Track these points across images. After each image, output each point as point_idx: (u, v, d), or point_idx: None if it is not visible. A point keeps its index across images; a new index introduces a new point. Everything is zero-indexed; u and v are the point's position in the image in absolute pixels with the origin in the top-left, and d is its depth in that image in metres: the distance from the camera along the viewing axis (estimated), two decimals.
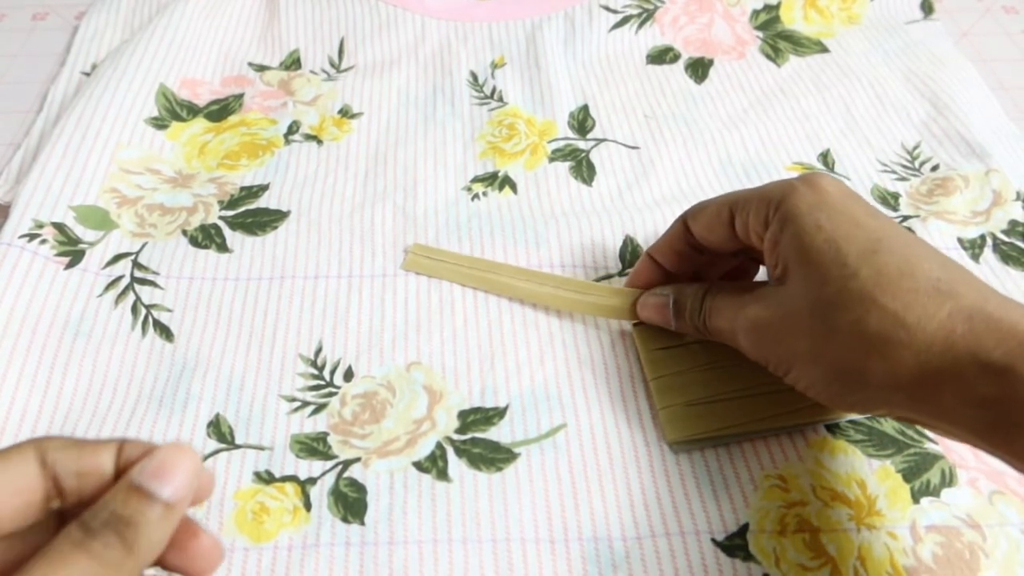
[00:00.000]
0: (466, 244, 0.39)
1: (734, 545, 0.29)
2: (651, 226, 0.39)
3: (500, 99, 0.47)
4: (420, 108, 0.47)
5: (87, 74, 0.48)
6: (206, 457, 0.31)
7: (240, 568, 0.28)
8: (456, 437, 0.32)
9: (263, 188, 0.42)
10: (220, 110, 0.46)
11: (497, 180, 0.42)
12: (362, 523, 0.29)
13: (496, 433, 0.32)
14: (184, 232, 0.39)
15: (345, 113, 0.46)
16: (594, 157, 0.44)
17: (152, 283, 0.37)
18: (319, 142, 0.44)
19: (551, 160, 0.43)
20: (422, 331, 0.35)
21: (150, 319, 0.35)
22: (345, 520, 0.29)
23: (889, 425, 0.32)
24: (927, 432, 0.32)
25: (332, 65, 0.49)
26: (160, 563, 0.20)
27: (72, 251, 0.37)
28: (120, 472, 0.20)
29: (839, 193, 0.27)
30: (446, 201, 0.41)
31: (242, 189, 0.41)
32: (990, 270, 0.38)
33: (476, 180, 0.42)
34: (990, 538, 0.29)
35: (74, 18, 0.53)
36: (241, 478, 0.30)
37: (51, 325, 0.35)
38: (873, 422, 0.32)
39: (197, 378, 0.33)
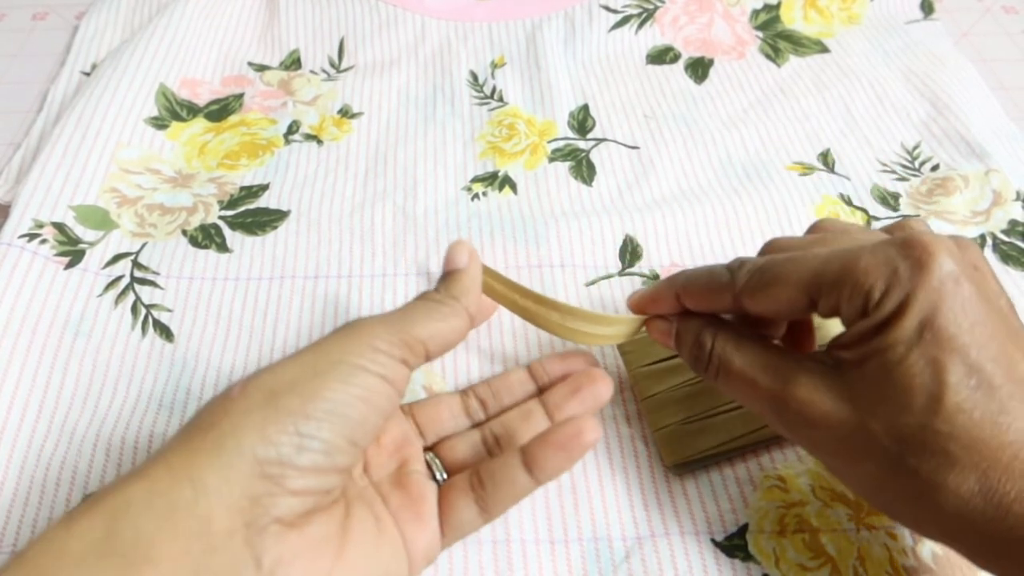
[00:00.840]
0: None
1: (734, 545, 0.29)
2: (651, 226, 0.39)
3: (500, 99, 0.47)
4: (420, 108, 0.47)
5: (87, 74, 0.48)
6: None
7: None
8: None
9: (263, 188, 0.42)
10: (220, 110, 0.46)
11: (497, 180, 0.42)
12: None
13: None
14: (184, 232, 0.39)
15: (345, 113, 0.46)
16: (594, 157, 0.44)
17: (152, 283, 0.37)
18: (319, 142, 0.44)
19: (551, 160, 0.43)
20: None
21: (150, 319, 0.35)
22: None
23: None
24: None
25: (332, 65, 0.49)
26: None
27: (72, 251, 0.37)
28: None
29: (952, 284, 0.22)
30: (446, 201, 0.41)
31: (242, 189, 0.41)
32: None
33: (476, 180, 0.42)
34: None
35: (74, 18, 0.53)
36: None
37: (51, 325, 0.35)
38: None
39: (197, 378, 0.33)
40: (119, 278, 0.37)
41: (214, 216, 0.40)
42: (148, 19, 0.51)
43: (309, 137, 0.45)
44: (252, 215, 0.40)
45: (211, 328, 0.35)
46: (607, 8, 0.52)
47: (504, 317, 0.36)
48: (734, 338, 0.26)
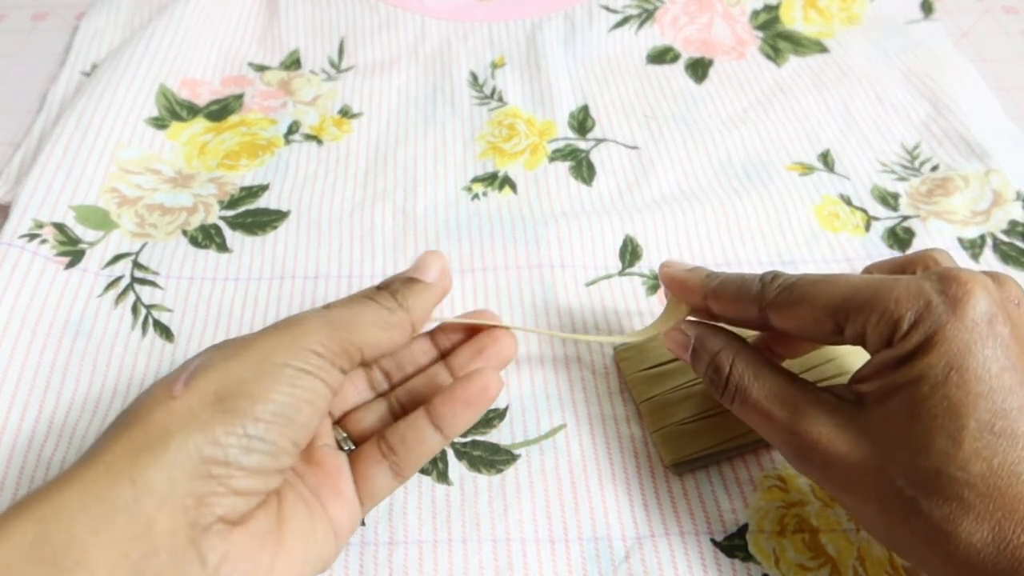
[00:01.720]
0: (466, 244, 0.39)
1: (733, 545, 0.29)
2: (651, 226, 0.39)
3: (500, 99, 0.47)
4: (420, 108, 0.47)
5: (87, 74, 0.48)
6: None
7: None
8: (456, 439, 0.32)
9: (263, 188, 0.42)
10: (220, 110, 0.46)
11: (497, 180, 0.42)
12: (362, 523, 0.29)
13: (496, 435, 0.32)
14: (184, 232, 0.39)
15: (345, 113, 0.46)
16: (594, 157, 0.44)
17: (152, 283, 0.37)
18: (319, 142, 0.44)
19: (551, 160, 0.43)
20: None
21: (150, 319, 0.35)
22: None
23: None
24: None
25: (332, 65, 0.49)
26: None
27: (72, 251, 0.37)
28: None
29: (986, 327, 0.21)
30: (446, 201, 0.41)
31: (242, 189, 0.41)
32: (990, 270, 0.38)
33: (476, 180, 0.42)
34: None
35: (74, 18, 0.53)
36: None
37: (51, 325, 0.35)
38: None
39: None
40: (119, 278, 0.37)
41: (214, 216, 0.40)
42: (148, 19, 0.51)
43: (309, 137, 0.45)
44: (252, 215, 0.40)
45: (211, 328, 0.35)
46: (607, 8, 0.52)
47: (504, 319, 0.36)
48: (753, 365, 0.26)
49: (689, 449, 0.30)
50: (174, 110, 0.45)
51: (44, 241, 0.37)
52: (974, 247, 0.39)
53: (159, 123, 0.44)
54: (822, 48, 0.51)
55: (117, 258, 0.38)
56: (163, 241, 0.39)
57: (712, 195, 0.41)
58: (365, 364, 0.27)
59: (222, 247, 0.38)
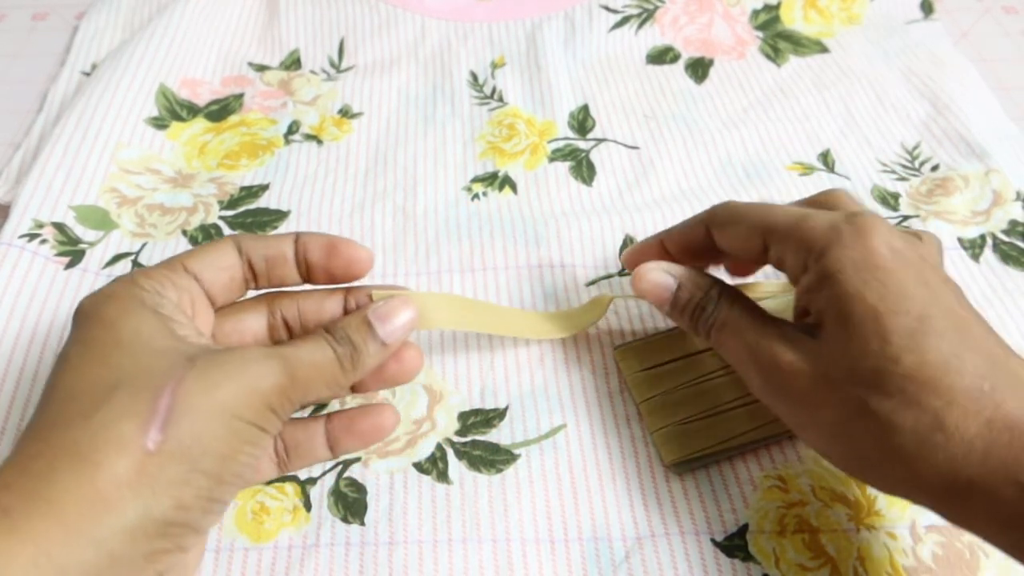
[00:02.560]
0: (466, 244, 0.39)
1: (734, 545, 0.29)
2: (651, 226, 0.39)
3: (500, 99, 0.47)
4: (420, 108, 0.47)
5: (87, 74, 0.48)
6: None
7: (240, 567, 0.28)
8: (456, 439, 0.32)
9: (263, 188, 0.42)
10: (220, 110, 0.46)
11: (497, 180, 0.42)
12: (362, 523, 0.29)
13: (496, 435, 0.32)
14: (184, 232, 0.39)
15: (345, 113, 0.46)
16: (594, 157, 0.44)
17: None
18: (319, 142, 0.44)
19: (551, 160, 0.43)
20: (422, 330, 0.35)
21: None
22: (345, 520, 0.29)
23: None
24: None
25: (332, 65, 0.49)
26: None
27: (72, 251, 0.37)
28: (299, 257, 0.27)
29: (889, 250, 0.24)
30: (446, 201, 0.41)
31: (242, 189, 0.41)
32: (990, 270, 0.38)
33: (476, 180, 0.42)
34: None
35: (74, 18, 0.53)
36: None
37: (51, 325, 0.35)
38: None
39: None
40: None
41: (214, 216, 0.40)
42: (148, 19, 0.51)
43: (309, 137, 0.45)
44: (252, 215, 0.40)
45: None
46: (607, 8, 0.52)
47: None
48: (730, 298, 0.28)
49: (689, 449, 0.30)
50: (174, 110, 0.45)
51: (44, 241, 0.37)
52: (974, 247, 0.39)
53: (159, 123, 0.44)
54: (822, 48, 0.51)
55: (117, 258, 0.38)
56: (163, 241, 0.39)
57: (712, 195, 0.41)
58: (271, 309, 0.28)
59: None
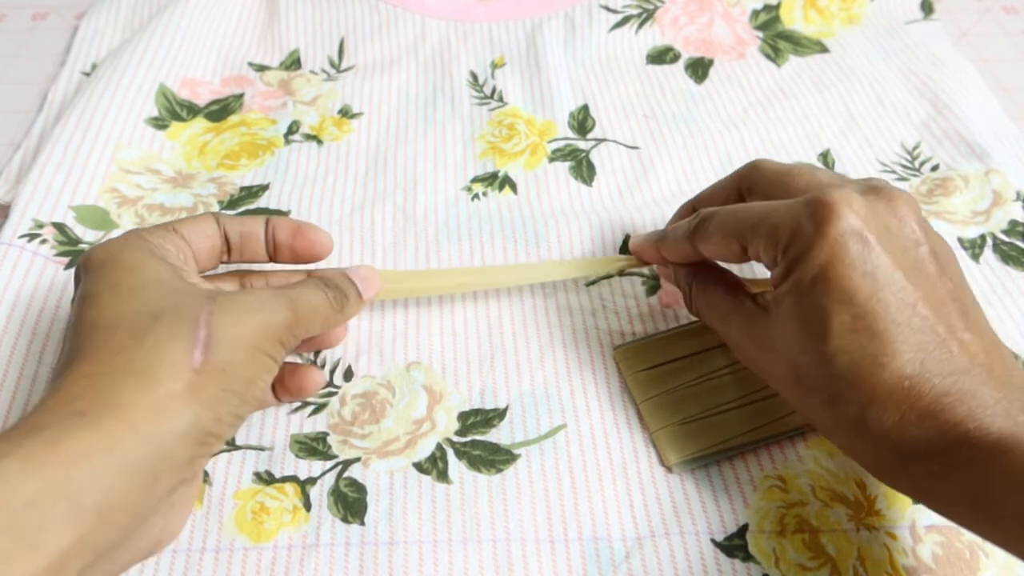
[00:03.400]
0: (466, 244, 0.39)
1: (734, 545, 0.29)
2: (651, 226, 0.39)
3: (500, 99, 0.47)
4: (420, 108, 0.47)
5: (87, 74, 0.48)
6: None
7: (240, 567, 0.28)
8: (456, 439, 0.32)
9: (263, 188, 0.42)
10: (220, 110, 0.46)
11: (497, 180, 0.42)
12: (362, 523, 0.29)
13: (496, 435, 0.32)
14: None
15: (345, 113, 0.46)
16: (594, 157, 0.44)
17: None
18: (319, 142, 0.44)
19: (551, 160, 0.43)
20: (422, 330, 0.35)
21: None
22: (345, 520, 0.29)
23: None
24: None
25: (332, 65, 0.49)
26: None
27: (72, 251, 0.37)
28: (268, 237, 0.31)
29: (841, 241, 0.25)
30: (446, 201, 0.41)
31: (242, 189, 0.41)
32: (990, 270, 0.38)
33: (476, 180, 0.42)
34: None
35: (74, 18, 0.53)
36: (241, 478, 0.30)
37: (51, 325, 0.35)
38: None
39: None
40: None
41: None
42: (148, 19, 0.51)
43: (309, 137, 0.45)
44: (252, 215, 0.40)
45: None
46: (607, 8, 0.52)
47: (504, 317, 0.36)
48: (701, 283, 0.31)
49: (690, 448, 0.30)
50: (174, 110, 0.45)
51: (44, 241, 0.37)
52: (974, 247, 0.39)
53: (159, 123, 0.44)
54: (822, 48, 0.51)
55: None
56: None
57: None
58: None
59: None
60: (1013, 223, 0.40)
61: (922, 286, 0.25)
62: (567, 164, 0.43)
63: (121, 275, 0.26)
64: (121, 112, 0.43)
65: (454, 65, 0.49)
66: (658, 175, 0.43)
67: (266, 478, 0.30)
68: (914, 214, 0.26)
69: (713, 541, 0.29)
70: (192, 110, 0.46)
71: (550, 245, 0.38)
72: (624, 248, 0.38)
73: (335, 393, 0.33)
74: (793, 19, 0.52)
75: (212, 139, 0.44)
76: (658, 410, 0.32)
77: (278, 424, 0.32)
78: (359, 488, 0.30)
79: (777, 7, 0.53)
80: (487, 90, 0.48)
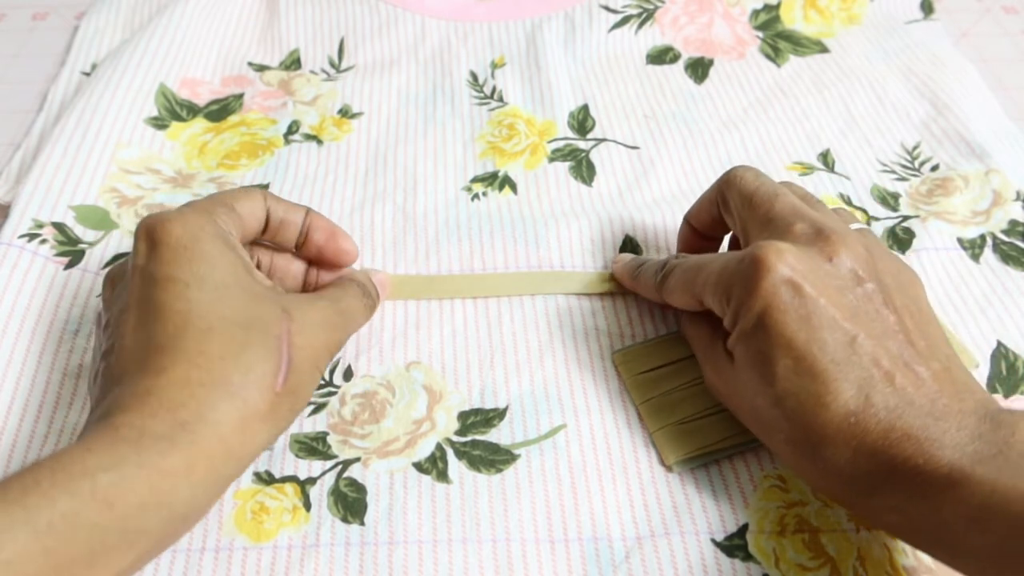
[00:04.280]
0: (466, 244, 0.39)
1: (734, 545, 0.29)
2: (651, 226, 0.39)
3: (500, 99, 0.47)
4: (420, 108, 0.47)
5: (87, 74, 0.48)
6: None
7: (240, 567, 0.28)
8: (456, 439, 0.32)
9: (263, 188, 0.42)
10: (220, 110, 0.46)
11: (497, 180, 0.42)
12: (362, 523, 0.29)
13: (496, 435, 0.32)
14: None
15: (345, 113, 0.46)
16: (594, 157, 0.44)
17: None
18: (319, 142, 0.44)
19: (551, 160, 0.43)
20: (422, 330, 0.35)
21: None
22: (345, 520, 0.29)
23: None
24: None
25: (332, 65, 0.49)
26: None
27: (72, 251, 0.37)
28: (304, 229, 0.32)
29: (774, 292, 0.26)
30: (446, 201, 0.41)
31: None
32: (990, 270, 0.38)
33: (476, 180, 0.42)
34: None
35: (74, 18, 0.53)
36: (241, 478, 0.30)
37: (51, 325, 0.35)
38: None
39: None
40: None
41: None
42: (148, 19, 0.51)
43: (309, 137, 0.45)
44: None
45: None
46: (607, 8, 0.52)
47: (504, 319, 0.36)
48: (687, 316, 0.33)
49: (690, 447, 0.31)
50: (174, 110, 0.45)
51: (44, 241, 0.37)
52: (974, 247, 0.39)
53: (159, 123, 0.44)
54: (822, 48, 0.51)
55: (117, 258, 0.38)
56: None
57: None
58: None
59: None
60: (1013, 223, 0.40)
61: (862, 323, 0.25)
62: (567, 164, 0.43)
63: (204, 267, 0.26)
64: (121, 112, 0.43)
65: (454, 65, 0.49)
66: (658, 175, 0.43)
67: (266, 478, 0.30)
68: (851, 253, 0.27)
69: (713, 541, 0.29)
70: (192, 110, 0.46)
71: (550, 245, 0.38)
72: (624, 248, 0.38)
73: (335, 393, 0.33)
74: (793, 19, 0.52)
75: (212, 139, 0.44)
76: (657, 410, 0.32)
77: None
78: (359, 488, 0.30)
79: (777, 7, 0.53)
80: (487, 90, 0.48)
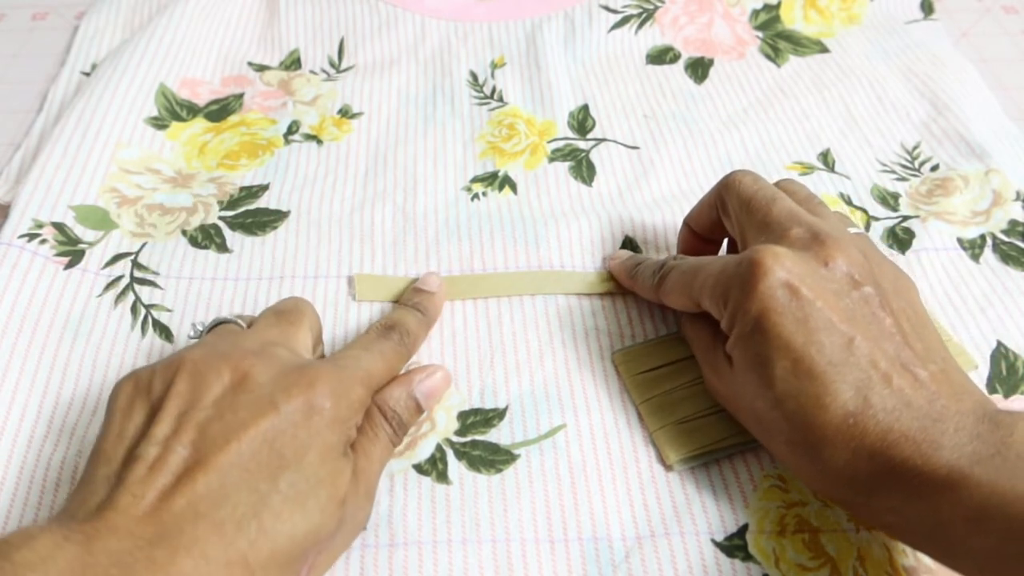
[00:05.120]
0: (466, 244, 0.39)
1: (734, 545, 0.29)
2: (651, 226, 0.39)
3: (500, 99, 0.47)
4: (420, 108, 0.47)
5: (87, 74, 0.48)
6: None
7: None
8: (456, 439, 0.32)
9: (263, 188, 0.42)
10: (220, 110, 0.46)
11: (497, 180, 0.42)
12: (362, 527, 0.29)
13: (496, 435, 0.32)
14: (184, 232, 0.39)
15: (345, 113, 0.46)
16: (594, 157, 0.44)
17: (152, 283, 0.37)
18: (319, 142, 0.44)
19: (551, 160, 0.43)
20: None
21: (150, 319, 0.35)
22: None
23: None
24: None
25: (332, 65, 0.49)
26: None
27: (72, 251, 0.37)
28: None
29: (771, 295, 0.26)
30: (446, 201, 0.41)
31: (242, 189, 0.41)
32: (990, 270, 0.38)
33: (476, 180, 0.42)
34: None
35: (74, 18, 0.53)
36: None
37: (51, 325, 0.35)
38: None
39: None
40: (119, 278, 0.37)
41: (214, 216, 0.40)
42: (148, 19, 0.51)
43: (309, 137, 0.45)
44: (252, 215, 0.40)
45: None
46: (607, 8, 0.52)
47: (504, 319, 0.36)
48: (687, 317, 0.33)
49: (691, 446, 0.31)
50: (174, 110, 0.45)
51: (44, 241, 0.37)
52: (974, 247, 0.39)
53: (159, 123, 0.44)
54: (822, 48, 0.51)
55: (117, 258, 0.38)
56: (163, 241, 0.39)
57: None
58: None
59: (222, 247, 0.38)
60: (1013, 223, 0.40)
61: (859, 325, 0.26)
62: (567, 164, 0.43)
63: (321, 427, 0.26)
64: (121, 112, 0.43)
65: (454, 65, 0.49)
66: (658, 175, 0.43)
67: None
68: (847, 258, 0.27)
69: (713, 541, 0.29)
70: (192, 110, 0.46)
71: (550, 245, 0.38)
72: (624, 248, 0.38)
73: None
74: (793, 19, 0.52)
75: (212, 139, 0.44)
76: (657, 410, 0.32)
77: None
78: None
79: (777, 7, 0.53)
80: (487, 90, 0.48)
